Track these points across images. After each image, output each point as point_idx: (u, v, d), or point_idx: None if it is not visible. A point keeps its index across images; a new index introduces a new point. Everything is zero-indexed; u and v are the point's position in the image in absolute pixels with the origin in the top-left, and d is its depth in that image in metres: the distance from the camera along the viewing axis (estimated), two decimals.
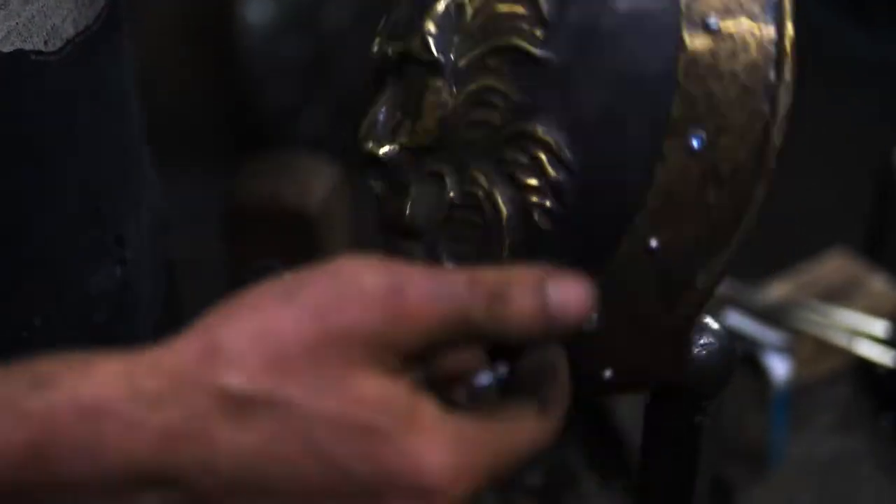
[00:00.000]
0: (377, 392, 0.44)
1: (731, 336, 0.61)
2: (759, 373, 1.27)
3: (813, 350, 1.36)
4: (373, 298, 0.45)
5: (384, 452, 0.44)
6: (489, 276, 0.46)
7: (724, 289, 1.40)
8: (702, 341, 0.60)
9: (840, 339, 1.36)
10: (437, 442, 0.44)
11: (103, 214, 0.71)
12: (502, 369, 0.48)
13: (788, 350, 1.28)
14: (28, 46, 0.63)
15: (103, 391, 0.43)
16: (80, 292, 0.69)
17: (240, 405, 0.44)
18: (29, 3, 0.62)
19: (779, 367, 1.27)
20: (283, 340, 0.44)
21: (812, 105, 2.88)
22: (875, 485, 1.33)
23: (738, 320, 1.31)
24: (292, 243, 1.51)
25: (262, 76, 2.21)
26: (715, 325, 0.60)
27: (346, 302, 0.44)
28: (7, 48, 0.62)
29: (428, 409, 0.45)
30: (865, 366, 1.38)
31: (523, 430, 0.47)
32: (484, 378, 0.47)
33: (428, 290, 0.45)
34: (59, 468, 0.43)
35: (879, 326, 1.37)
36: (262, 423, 0.44)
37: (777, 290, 1.40)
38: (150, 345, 0.46)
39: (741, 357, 1.26)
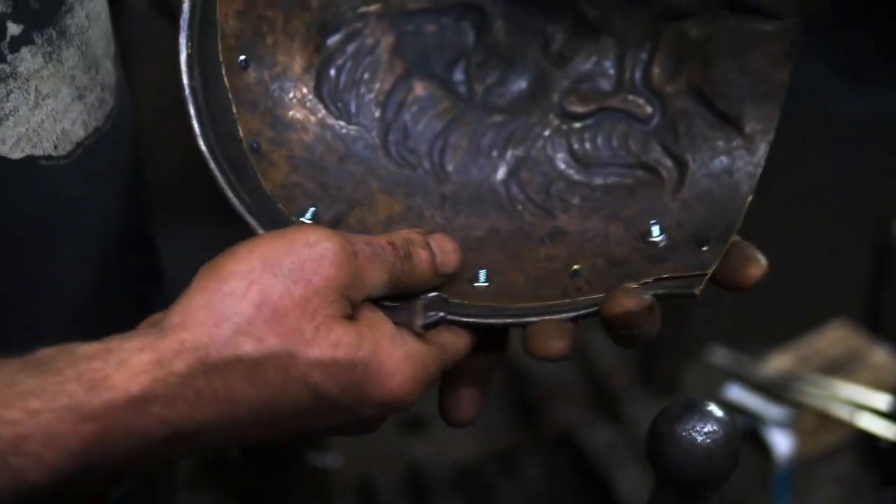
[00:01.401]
0: (349, 334, 0.57)
1: (735, 424, 0.60)
2: (761, 448, 1.27)
3: (815, 424, 1.35)
4: (339, 260, 0.57)
5: (361, 381, 0.57)
6: (398, 239, 0.61)
7: (725, 362, 1.40)
8: (706, 429, 0.60)
9: (842, 413, 1.36)
10: (395, 363, 0.58)
11: (99, 319, 0.70)
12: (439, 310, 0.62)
13: (791, 425, 1.28)
14: (38, 152, 0.63)
15: (146, 381, 0.53)
16: None
17: (252, 366, 0.55)
18: (38, 109, 0.63)
19: (781, 443, 1.26)
20: (278, 305, 0.56)
21: (808, 172, 2.88)
22: None
23: (740, 394, 1.31)
24: None
25: None
26: (719, 413, 0.60)
27: (320, 264, 0.57)
28: (17, 155, 0.62)
29: (386, 339, 0.59)
30: (868, 439, 1.37)
31: (450, 348, 0.61)
32: (432, 316, 0.61)
33: (370, 253, 0.59)
34: (118, 448, 0.52)
35: (882, 400, 1.37)
36: (271, 377, 0.55)
37: (778, 363, 1.39)
38: (160, 314, 0.56)
39: (744, 433, 1.26)
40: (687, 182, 0.66)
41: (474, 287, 0.64)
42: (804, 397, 1.35)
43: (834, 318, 1.49)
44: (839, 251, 2.55)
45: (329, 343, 0.56)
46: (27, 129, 0.62)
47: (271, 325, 0.55)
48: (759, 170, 0.66)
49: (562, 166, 0.69)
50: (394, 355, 0.58)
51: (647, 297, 0.60)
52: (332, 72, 0.69)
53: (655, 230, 0.65)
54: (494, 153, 0.69)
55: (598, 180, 0.68)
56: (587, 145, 0.69)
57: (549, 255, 0.66)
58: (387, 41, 0.69)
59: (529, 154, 0.69)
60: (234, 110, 0.65)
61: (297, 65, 0.68)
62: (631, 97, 0.69)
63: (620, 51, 0.69)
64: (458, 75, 0.70)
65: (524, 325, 0.61)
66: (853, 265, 2.00)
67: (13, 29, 0.60)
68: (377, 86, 0.69)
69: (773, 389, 1.34)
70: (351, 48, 0.69)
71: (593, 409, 1.51)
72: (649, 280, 0.62)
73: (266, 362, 0.55)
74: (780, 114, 0.66)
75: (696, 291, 0.61)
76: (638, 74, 0.69)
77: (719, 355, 1.41)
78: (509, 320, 0.62)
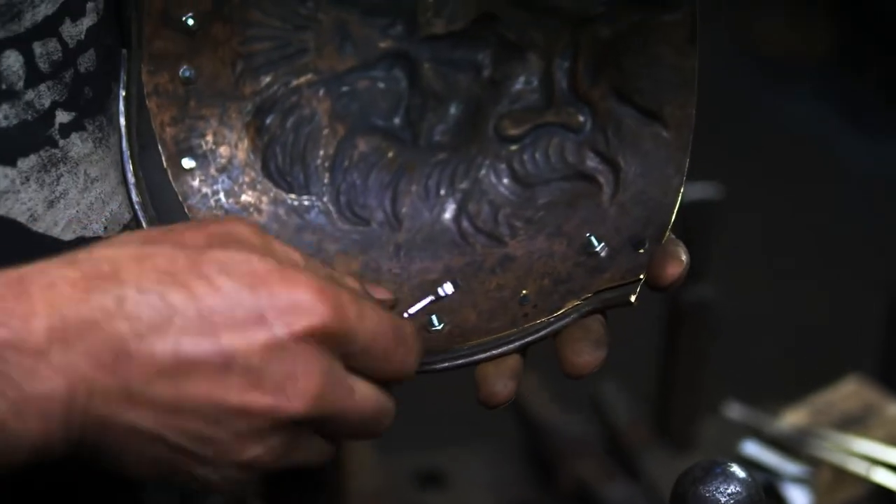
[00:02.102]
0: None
1: (758, 485, 0.61)
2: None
3: (832, 479, 1.36)
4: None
5: (265, 277, 0.54)
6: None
7: (741, 417, 1.41)
8: (729, 490, 0.61)
9: (859, 468, 1.36)
10: (305, 272, 0.55)
11: None
12: None
13: (808, 480, 1.28)
14: (88, 233, 0.65)
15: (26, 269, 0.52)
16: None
17: (139, 254, 0.54)
18: (87, 191, 0.65)
19: (799, 498, 1.27)
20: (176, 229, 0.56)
21: (819, 225, 2.87)
22: None
23: (756, 450, 1.31)
24: None
25: None
26: (742, 474, 0.61)
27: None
28: (68, 236, 0.64)
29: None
30: (885, 494, 1.37)
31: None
32: None
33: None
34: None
35: None
36: (160, 264, 0.53)
37: (793, 418, 1.40)
38: None
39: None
40: (622, 185, 0.68)
41: (430, 332, 0.67)
42: (820, 453, 1.35)
43: (848, 373, 1.50)
44: (852, 306, 2.55)
45: (226, 245, 0.55)
46: (77, 212, 0.64)
47: (162, 231, 0.56)
48: (687, 158, 0.67)
49: (506, 191, 0.71)
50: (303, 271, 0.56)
51: (602, 350, 0.63)
52: (277, 149, 0.71)
53: (594, 241, 0.67)
54: (442, 191, 0.71)
55: (542, 199, 0.70)
56: (527, 165, 0.71)
57: (500, 284, 0.68)
58: (323, 107, 0.72)
59: (475, 186, 0.71)
60: (186, 211, 0.69)
61: (242, 151, 0.70)
62: (562, 109, 0.70)
63: (546, 65, 0.71)
64: (399, 122, 0.72)
65: (475, 364, 0.64)
66: (867, 320, 2.01)
67: (62, 116, 0.63)
68: (321, 152, 0.71)
69: (789, 445, 1.34)
70: (290, 122, 0.71)
71: (609, 464, 1.52)
72: (589, 295, 0.64)
73: (153, 251, 0.54)
74: (696, 98, 0.67)
75: (632, 299, 0.63)
76: (565, 85, 0.70)
77: (735, 410, 1.42)
78: (459, 362, 0.65)
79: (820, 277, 2.72)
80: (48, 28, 0.61)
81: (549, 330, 0.64)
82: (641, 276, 0.63)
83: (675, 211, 0.66)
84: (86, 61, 0.64)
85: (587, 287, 0.65)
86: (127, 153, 0.67)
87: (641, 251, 0.65)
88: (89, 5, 0.64)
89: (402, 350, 0.58)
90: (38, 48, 0.61)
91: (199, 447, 0.54)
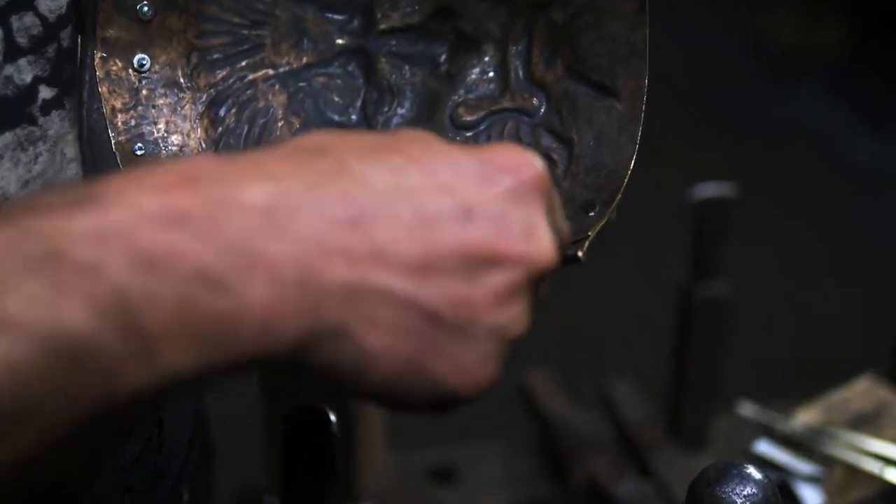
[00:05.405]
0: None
1: (774, 486, 0.62)
2: (792, 502, 1.27)
3: (844, 478, 1.36)
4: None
5: (480, 151, 0.53)
6: None
7: (753, 416, 1.41)
8: (745, 491, 0.61)
9: (872, 467, 1.36)
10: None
11: None
12: None
13: (821, 480, 1.28)
14: None
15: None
16: (115, 461, 0.69)
17: (341, 136, 0.52)
18: (62, 172, 0.64)
19: (811, 497, 1.27)
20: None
21: (830, 220, 2.88)
22: None
23: (769, 449, 1.31)
24: None
25: None
26: (758, 475, 0.62)
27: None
28: None
29: None
30: None
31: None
32: None
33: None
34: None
35: None
36: (365, 137, 0.52)
37: (806, 417, 1.40)
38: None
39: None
40: (575, 158, 0.69)
41: None
42: (833, 452, 1.35)
43: (861, 372, 1.50)
44: (865, 304, 2.55)
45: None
46: None
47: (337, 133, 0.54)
48: (640, 126, 0.68)
49: None
50: None
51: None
52: (231, 140, 0.71)
53: None
54: None
55: None
56: None
57: None
58: (279, 101, 0.72)
59: None
60: None
61: (194, 140, 0.71)
62: (517, 94, 0.72)
63: (502, 54, 0.72)
64: (355, 117, 0.73)
65: None
66: (880, 318, 2.01)
67: (45, 92, 0.62)
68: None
69: (801, 444, 1.34)
70: (245, 114, 0.72)
71: (621, 462, 1.52)
72: None
73: (350, 136, 0.52)
74: (647, 68, 0.68)
75: (579, 254, 0.63)
76: (520, 72, 0.72)
77: (747, 409, 1.42)
78: None
79: (833, 275, 2.72)
80: (22, 1, 0.60)
81: None
82: (590, 234, 0.65)
83: (628, 177, 0.67)
84: (68, 36, 0.63)
85: None
86: (76, 128, 0.67)
87: (591, 214, 0.67)
88: None
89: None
90: (14, 22, 0.59)
91: (453, 312, 0.49)
